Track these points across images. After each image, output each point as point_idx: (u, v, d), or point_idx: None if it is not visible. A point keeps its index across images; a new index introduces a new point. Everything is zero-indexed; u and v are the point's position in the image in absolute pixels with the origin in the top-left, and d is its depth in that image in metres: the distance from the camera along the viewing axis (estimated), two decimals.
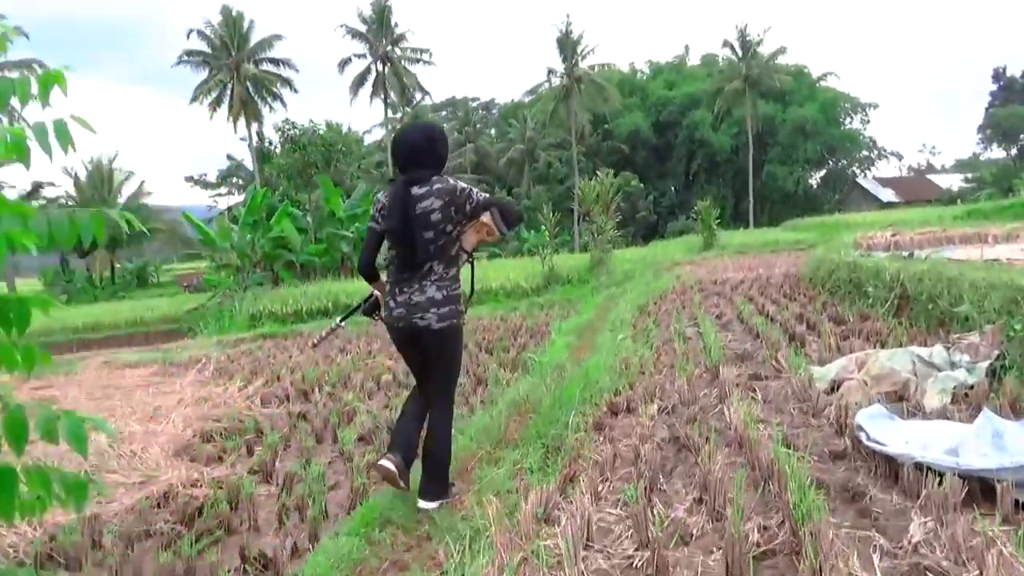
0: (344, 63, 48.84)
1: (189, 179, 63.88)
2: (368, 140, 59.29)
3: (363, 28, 47.72)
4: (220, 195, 61.53)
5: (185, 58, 43.63)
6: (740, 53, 52.00)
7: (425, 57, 49.35)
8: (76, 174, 46.87)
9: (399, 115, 54.59)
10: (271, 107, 44.68)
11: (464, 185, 3.44)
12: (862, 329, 6.49)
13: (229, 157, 59.92)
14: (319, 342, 4.16)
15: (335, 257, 22.57)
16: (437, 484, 3.57)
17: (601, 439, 4.05)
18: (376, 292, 3.74)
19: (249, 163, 48.54)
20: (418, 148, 3.43)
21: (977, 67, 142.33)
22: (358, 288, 16.14)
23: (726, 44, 52.59)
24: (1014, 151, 53.74)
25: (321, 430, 6.16)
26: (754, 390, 4.86)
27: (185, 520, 4.14)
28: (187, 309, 18.43)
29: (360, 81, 49.16)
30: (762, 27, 57.85)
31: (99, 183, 46.32)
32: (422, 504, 3.54)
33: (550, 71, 50.98)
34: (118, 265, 54.46)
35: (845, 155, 61.11)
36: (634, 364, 5.69)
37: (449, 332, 3.46)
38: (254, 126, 44.85)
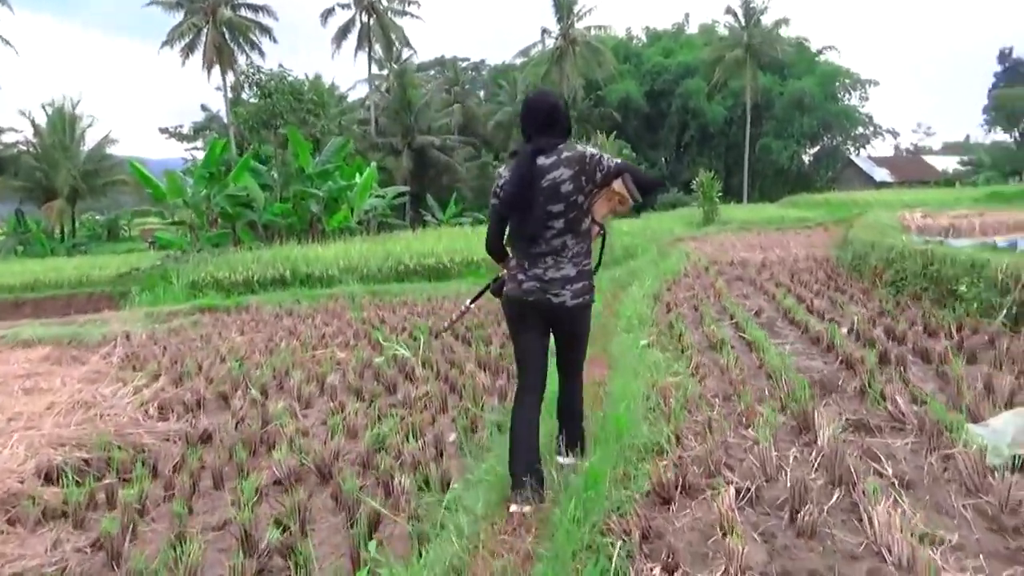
0: (327, 13, 46.13)
1: (164, 131, 60.75)
2: (352, 97, 56.58)
3: None
4: (196, 148, 58.46)
5: None
6: (743, 21, 49.77)
7: (412, 10, 46.74)
8: (34, 119, 43.93)
9: (384, 71, 52.02)
10: (248, 56, 41.84)
11: (594, 151, 3.13)
12: (976, 347, 4.74)
13: (203, 108, 56.93)
14: (448, 328, 3.77)
15: (303, 218, 20.44)
16: (578, 441, 3.32)
17: None
18: (505, 272, 3.38)
19: (225, 114, 45.79)
20: (550, 115, 3.18)
21: (975, 49, 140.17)
22: (321, 255, 14.18)
23: (729, 11, 50.27)
24: (1016, 134, 52.08)
25: (224, 466, 4.37)
26: (876, 458, 3.10)
27: None
28: (120, 272, 16.27)
29: (343, 33, 46.49)
30: None
31: (60, 129, 43.41)
32: (561, 460, 3.25)
33: (544, 31, 48.54)
34: (87, 216, 51.86)
35: (840, 132, 59.18)
36: (676, 396, 3.91)
37: (582, 308, 3.19)
38: (229, 75, 42.02)
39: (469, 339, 8.19)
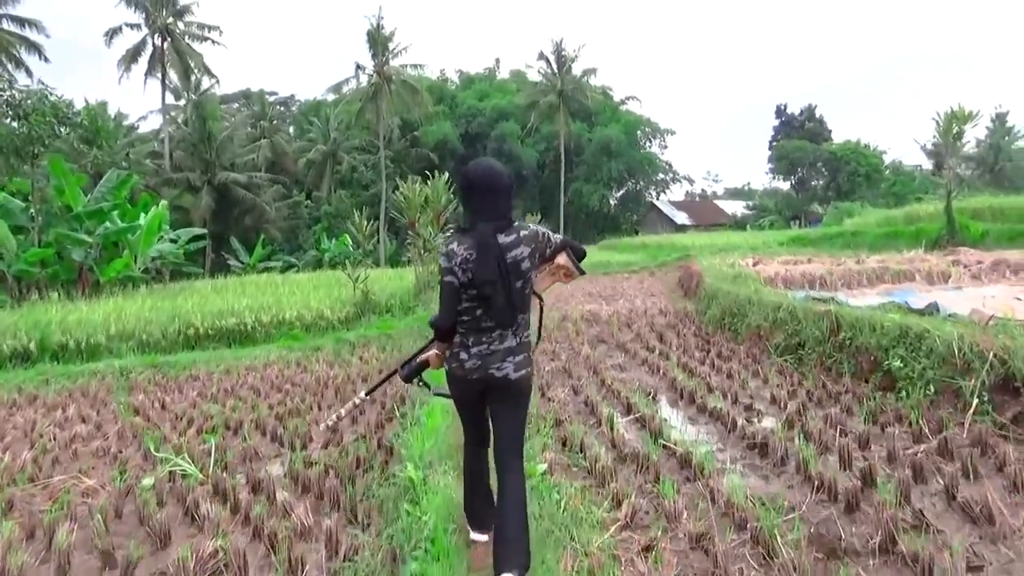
0: (112, 33, 41.38)
1: None
2: (144, 128, 51.23)
3: None
4: None
5: None
6: (555, 68, 51.16)
7: (214, 36, 43.13)
8: None
9: (182, 101, 47.59)
10: (12, 77, 36.19)
11: (543, 229, 3.25)
12: (972, 457, 3.68)
13: None
14: (331, 427, 3.57)
15: (70, 267, 16.99)
16: (523, 556, 2.97)
17: None
18: (432, 352, 3.31)
19: None
20: (502, 193, 3.13)
21: (756, 103, 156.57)
22: (86, 318, 11.34)
23: (542, 56, 51.46)
24: (793, 180, 57.62)
25: None
26: None
27: None
28: None
29: (133, 56, 41.89)
30: (577, 44, 57.62)
31: None
32: None
33: (359, 67, 46.68)
34: None
35: (643, 177, 62.51)
36: None
37: (525, 381, 3.17)
38: None
39: (280, 435, 6.26)
